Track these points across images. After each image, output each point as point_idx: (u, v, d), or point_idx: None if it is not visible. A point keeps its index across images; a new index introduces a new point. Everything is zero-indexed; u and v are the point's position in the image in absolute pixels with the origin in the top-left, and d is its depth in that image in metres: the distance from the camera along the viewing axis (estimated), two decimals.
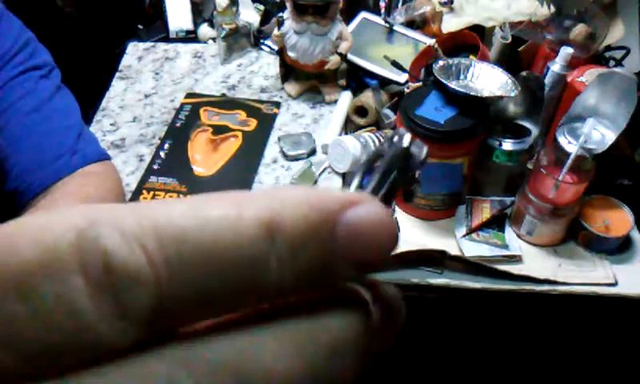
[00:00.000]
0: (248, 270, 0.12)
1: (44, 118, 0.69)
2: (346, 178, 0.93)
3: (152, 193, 0.88)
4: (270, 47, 1.18)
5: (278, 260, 0.12)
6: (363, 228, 0.13)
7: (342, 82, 1.07)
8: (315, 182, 0.90)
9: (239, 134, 0.99)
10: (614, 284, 0.83)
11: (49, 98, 0.71)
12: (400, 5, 1.13)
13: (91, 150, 0.72)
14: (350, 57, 1.04)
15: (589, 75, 0.88)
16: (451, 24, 1.04)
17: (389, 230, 0.14)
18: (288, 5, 0.97)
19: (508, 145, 0.86)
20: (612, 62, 1.03)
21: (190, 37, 1.23)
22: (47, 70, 0.73)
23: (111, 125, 1.02)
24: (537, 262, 0.85)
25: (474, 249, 0.84)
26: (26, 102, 0.69)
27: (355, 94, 1.04)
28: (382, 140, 0.93)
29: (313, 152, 0.96)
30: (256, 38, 1.18)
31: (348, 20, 1.09)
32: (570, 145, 0.81)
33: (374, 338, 0.15)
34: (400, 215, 0.91)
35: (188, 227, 0.12)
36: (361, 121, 1.00)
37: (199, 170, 0.92)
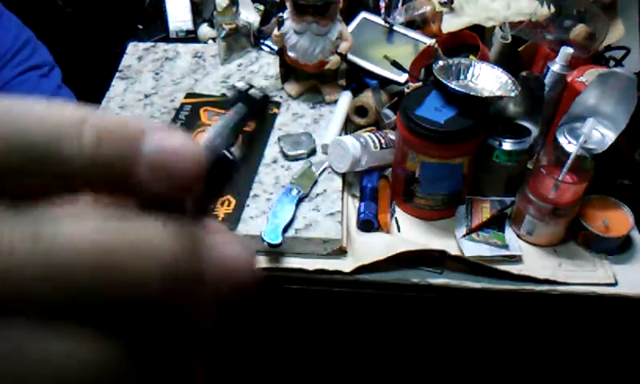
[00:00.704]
0: (53, 142, 0.15)
1: None
2: (346, 178, 0.93)
3: None
4: (270, 47, 1.17)
5: (84, 140, 0.15)
6: (167, 146, 0.15)
7: (342, 82, 1.07)
8: (315, 182, 0.90)
9: (239, 133, 0.99)
10: (614, 284, 0.83)
11: (50, 98, 0.71)
12: (400, 5, 1.13)
13: None
14: (350, 57, 1.04)
15: (589, 75, 0.88)
16: (451, 24, 1.04)
17: (192, 155, 0.16)
18: (288, 5, 0.97)
19: (508, 145, 0.86)
20: (612, 62, 1.03)
21: (190, 37, 1.23)
22: (47, 69, 0.73)
23: None
24: (537, 262, 0.85)
25: (473, 249, 0.84)
26: None
27: (355, 94, 1.04)
28: (382, 140, 0.93)
29: (313, 152, 0.96)
30: (256, 38, 1.18)
31: (348, 20, 1.09)
32: (570, 145, 0.81)
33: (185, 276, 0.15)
34: (400, 215, 0.91)
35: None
36: (361, 121, 1.00)
37: None
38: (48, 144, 0.15)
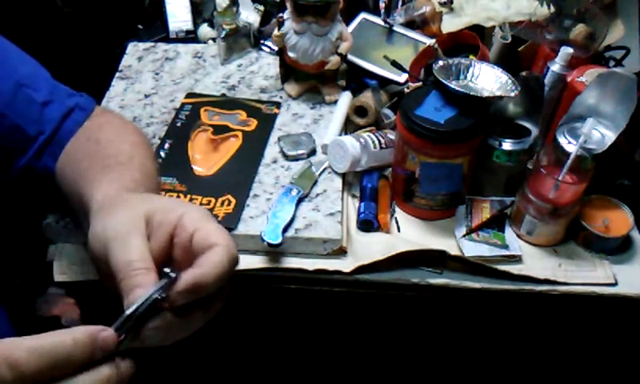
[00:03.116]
0: None
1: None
2: (346, 178, 0.93)
3: None
4: (270, 47, 1.18)
5: None
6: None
7: (342, 82, 1.07)
8: (315, 182, 0.90)
9: (239, 133, 0.99)
10: (614, 284, 0.83)
11: None
12: (400, 5, 1.13)
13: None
14: (350, 57, 1.04)
15: (589, 75, 0.88)
16: (451, 24, 1.04)
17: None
18: (288, 5, 0.97)
19: (508, 145, 0.86)
20: (612, 62, 1.03)
21: (190, 37, 1.23)
22: None
23: None
24: (537, 262, 0.85)
25: (473, 249, 0.85)
26: None
27: (355, 94, 1.04)
28: (381, 140, 0.93)
29: (313, 152, 0.96)
30: (256, 39, 1.18)
31: (348, 20, 1.09)
32: (569, 145, 0.81)
33: None
34: (400, 215, 0.91)
35: None
36: (360, 121, 1.00)
37: (199, 169, 0.92)
38: None
